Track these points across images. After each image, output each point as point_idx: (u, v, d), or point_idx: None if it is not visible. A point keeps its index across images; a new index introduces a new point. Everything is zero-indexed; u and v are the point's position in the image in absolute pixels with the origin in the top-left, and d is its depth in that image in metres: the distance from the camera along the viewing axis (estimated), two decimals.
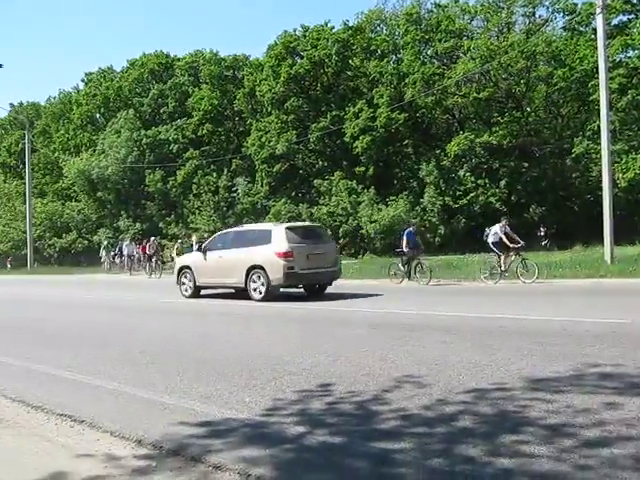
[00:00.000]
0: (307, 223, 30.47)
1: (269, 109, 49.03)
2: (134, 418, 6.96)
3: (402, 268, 23.58)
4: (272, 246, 18.86)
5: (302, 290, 20.58)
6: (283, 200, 46.64)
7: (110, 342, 12.20)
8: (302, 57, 47.97)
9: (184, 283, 21.48)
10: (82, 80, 67.67)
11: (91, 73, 66.19)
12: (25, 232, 52.55)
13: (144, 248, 39.78)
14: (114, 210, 56.52)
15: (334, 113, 46.55)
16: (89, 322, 16.33)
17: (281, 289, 19.49)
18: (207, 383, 8.31)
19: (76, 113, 63.23)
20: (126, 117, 56.24)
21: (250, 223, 45.13)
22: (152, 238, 38.30)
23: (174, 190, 53.08)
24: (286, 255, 18.56)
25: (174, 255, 34.45)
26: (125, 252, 40.09)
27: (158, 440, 6.16)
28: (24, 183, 54.95)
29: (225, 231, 23.53)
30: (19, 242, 57.79)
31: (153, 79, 58.99)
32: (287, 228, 19.88)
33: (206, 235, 44.10)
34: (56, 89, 73.86)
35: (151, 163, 54.26)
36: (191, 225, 49.28)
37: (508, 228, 22.35)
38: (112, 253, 43.03)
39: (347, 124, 45.40)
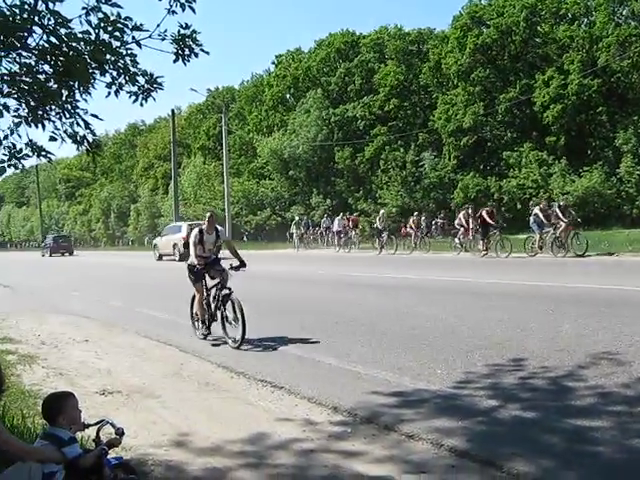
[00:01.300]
0: (200, 222, 43.35)
1: (455, 81, 48.22)
2: (329, 386, 7.27)
3: None
4: (181, 234, 33.76)
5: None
6: (471, 174, 45.85)
7: (308, 311, 12.72)
8: (488, 26, 46.61)
9: (155, 253, 39.43)
10: (272, 62, 70.01)
11: (281, 55, 68.24)
12: (224, 210, 55.37)
13: (349, 221, 40.71)
14: (305, 187, 58.08)
15: (523, 82, 44.97)
16: (302, 294, 16.87)
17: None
18: (399, 354, 8.48)
19: (267, 95, 65.44)
20: (315, 96, 57.46)
21: (423, 199, 45.02)
22: (382, 211, 35.71)
23: (362, 166, 53.67)
24: (184, 238, 29.70)
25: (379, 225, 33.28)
26: (335, 227, 38.47)
27: (353, 408, 6.41)
28: (222, 164, 57.75)
29: (168, 225, 43.38)
30: (218, 219, 61.06)
31: (340, 58, 59.75)
32: (188, 224, 35.37)
33: (394, 210, 44.33)
34: (249, 73, 77.41)
35: (339, 140, 55.14)
36: (379, 200, 49.65)
37: None
38: (302, 229, 43.06)
39: (536, 93, 43.66)
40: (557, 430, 5.47)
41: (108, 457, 4.33)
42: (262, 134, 62.59)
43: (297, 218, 44.32)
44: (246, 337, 9.67)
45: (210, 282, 10.82)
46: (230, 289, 10.12)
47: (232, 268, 10.41)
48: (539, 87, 43.62)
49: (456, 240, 28.99)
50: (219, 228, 11.07)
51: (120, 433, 4.42)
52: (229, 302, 10.04)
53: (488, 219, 25.42)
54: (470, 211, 28.40)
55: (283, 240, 48.10)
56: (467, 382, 7.00)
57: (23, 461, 3.86)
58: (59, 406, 4.29)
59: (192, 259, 10.55)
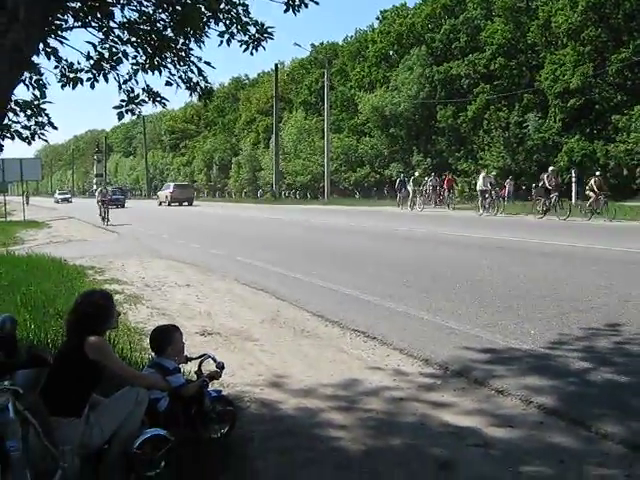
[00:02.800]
0: (182, 182, 73.61)
1: (564, 40, 46.43)
2: (421, 339, 7.39)
3: None
4: (169, 190, 60.88)
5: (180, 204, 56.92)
6: (577, 137, 44.40)
7: (401, 267, 12.77)
8: None
9: (158, 201, 63.08)
10: (377, 18, 69.18)
11: (385, 11, 67.34)
12: (323, 165, 55.69)
13: (449, 181, 39.98)
14: (405, 146, 57.58)
15: (637, 43, 42.94)
16: (395, 252, 16.71)
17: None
18: (492, 313, 8.50)
19: (371, 51, 64.82)
20: (418, 53, 56.52)
21: (525, 162, 43.01)
22: (550, 168, 29.96)
23: (464, 125, 52.68)
24: (171, 193, 59.66)
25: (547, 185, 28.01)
26: (479, 186, 32.40)
27: (444, 361, 6.52)
28: (323, 119, 57.86)
29: (164, 185, 70.73)
30: (317, 175, 61.49)
31: (445, 14, 58.39)
32: (174, 184, 64.43)
33: (494, 172, 43.56)
34: (353, 29, 76.42)
35: (442, 99, 54.21)
36: (480, 161, 48.76)
37: None
38: (420, 187, 39.39)
39: None
40: None
41: (208, 389, 4.59)
42: (364, 90, 62.14)
43: (417, 174, 41.11)
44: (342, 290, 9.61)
45: None
46: None
47: None
48: None
49: None
50: None
51: (220, 367, 4.67)
52: None
53: None
54: None
55: (381, 197, 47.86)
56: (560, 343, 6.97)
57: (132, 386, 4.15)
58: (169, 337, 4.57)
59: None
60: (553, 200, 27.50)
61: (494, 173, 36.26)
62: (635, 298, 9.05)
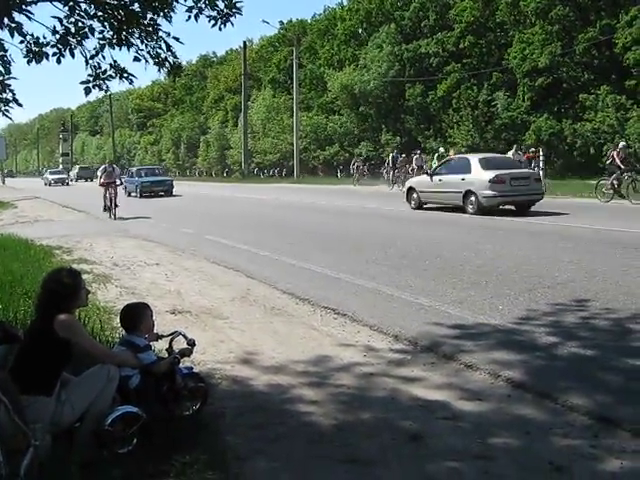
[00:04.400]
0: (84, 165, 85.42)
1: (533, 19, 46.52)
2: (391, 315, 7.45)
3: None
4: (75, 171, 78.62)
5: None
6: (545, 116, 44.67)
7: (368, 246, 12.79)
8: None
9: (72, 178, 74.07)
10: None
11: None
12: (292, 144, 55.49)
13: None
14: (375, 124, 57.56)
15: (604, 22, 43.08)
16: (362, 228, 16.79)
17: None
18: (461, 289, 8.59)
19: (340, 28, 64.44)
20: (388, 31, 56.34)
21: (493, 140, 42.29)
22: (621, 144, 24.83)
23: (433, 104, 52.76)
24: (77, 172, 78.17)
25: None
26: None
27: (414, 337, 6.58)
28: (291, 97, 57.63)
29: (78, 166, 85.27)
30: (286, 153, 61.29)
31: None
32: (79, 166, 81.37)
33: (463, 150, 43.59)
34: (321, 6, 75.97)
35: (411, 77, 54.22)
36: (449, 140, 48.93)
37: None
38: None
39: (618, 33, 41.90)
40: (615, 368, 5.54)
41: (180, 366, 4.59)
42: (333, 68, 61.91)
43: (442, 149, 37.50)
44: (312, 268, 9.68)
45: None
46: None
47: None
48: (621, 27, 41.84)
49: None
50: None
51: (191, 344, 4.66)
52: None
53: None
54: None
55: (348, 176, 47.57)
56: (528, 319, 7.08)
57: (103, 364, 4.14)
58: (139, 314, 4.56)
59: None
60: (625, 180, 22.50)
61: (535, 149, 31.68)
62: (601, 274, 9.18)
